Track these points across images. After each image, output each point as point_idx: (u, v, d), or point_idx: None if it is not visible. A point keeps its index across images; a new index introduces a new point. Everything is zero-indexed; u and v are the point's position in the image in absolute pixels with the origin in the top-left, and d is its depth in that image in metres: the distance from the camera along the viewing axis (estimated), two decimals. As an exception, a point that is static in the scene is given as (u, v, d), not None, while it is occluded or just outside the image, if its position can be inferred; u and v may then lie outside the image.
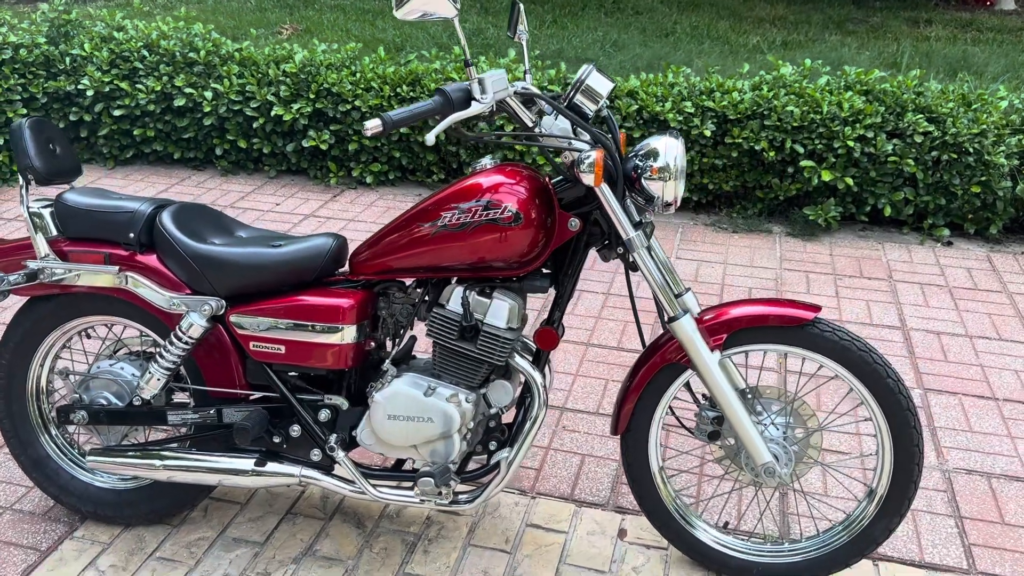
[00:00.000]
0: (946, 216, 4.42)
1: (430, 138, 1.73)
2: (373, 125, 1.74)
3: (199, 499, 2.39)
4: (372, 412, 2.09)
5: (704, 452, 2.73)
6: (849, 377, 2.05)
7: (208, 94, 4.98)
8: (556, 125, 1.99)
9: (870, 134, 4.23)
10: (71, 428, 2.46)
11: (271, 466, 2.17)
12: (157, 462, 2.19)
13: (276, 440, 2.19)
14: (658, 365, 2.11)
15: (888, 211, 4.34)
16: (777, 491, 2.51)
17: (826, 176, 4.25)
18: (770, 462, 2.05)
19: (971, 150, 4.17)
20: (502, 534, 2.39)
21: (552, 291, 2.07)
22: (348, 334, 2.08)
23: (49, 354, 2.33)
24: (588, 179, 1.87)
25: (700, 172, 4.55)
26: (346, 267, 2.18)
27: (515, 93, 1.94)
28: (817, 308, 2.05)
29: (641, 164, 1.95)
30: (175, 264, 2.14)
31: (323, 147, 4.92)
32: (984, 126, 4.17)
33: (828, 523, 2.36)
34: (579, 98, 1.96)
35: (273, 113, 4.90)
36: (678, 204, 2.00)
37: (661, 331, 2.14)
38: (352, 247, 4.21)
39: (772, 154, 4.32)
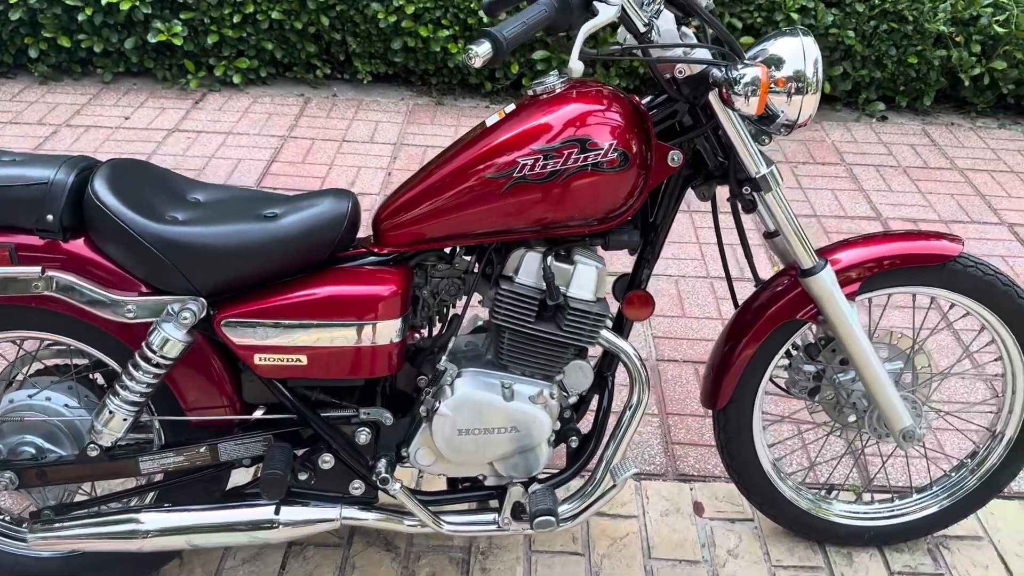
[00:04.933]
0: (878, 90, 4.24)
1: (577, 65, 1.19)
2: (484, 51, 1.18)
3: (178, 551, 1.81)
4: (436, 427, 1.58)
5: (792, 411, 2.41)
6: (985, 315, 1.77)
7: (10, -21, 3.89)
8: (658, 28, 1.48)
9: (810, 4, 3.90)
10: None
11: (298, 511, 1.61)
12: (137, 527, 1.57)
13: (302, 477, 1.63)
14: (775, 323, 1.72)
15: (827, 88, 4.09)
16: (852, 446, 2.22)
17: (768, 53, 3.91)
18: (911, 425, 1.75)
19: (910, 18, 3.95)
20: (566, 532, 1.98)
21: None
22: (393, 330, 1.53)
23: (-74, 392, 1.62)
24: (746, 105, 1.38)
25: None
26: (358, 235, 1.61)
27: (633, -13, 1.40)
28: (960, 239, 1.72)
29: (762, 74, 1.49)
30: (125, 253, 1.48)
31: (177, 42, 4.00)
32: (921, -9, 3.96)
33: (941, 472, 2.09)
34: (682, -10, 1.46)
35: (104, 1, 3.90)
36: (808, 123, 1.57)
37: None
38: (253, 167, 3.47)
39: (708, 30, 3.92)
